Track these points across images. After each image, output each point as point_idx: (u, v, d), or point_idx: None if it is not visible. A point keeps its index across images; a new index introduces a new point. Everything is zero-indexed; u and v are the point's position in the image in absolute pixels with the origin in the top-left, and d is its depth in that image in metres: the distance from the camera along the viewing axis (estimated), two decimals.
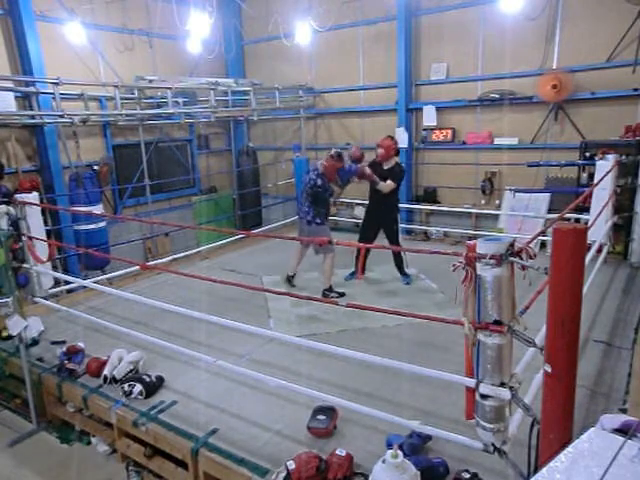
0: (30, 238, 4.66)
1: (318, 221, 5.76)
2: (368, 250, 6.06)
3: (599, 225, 5.66)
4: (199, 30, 8.02)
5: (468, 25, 8.15)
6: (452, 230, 8.37)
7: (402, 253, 6.18)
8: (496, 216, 8.17)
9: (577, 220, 6.26)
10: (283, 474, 2.77)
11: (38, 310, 5.15)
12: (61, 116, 6.94)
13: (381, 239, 6.22)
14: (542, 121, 7.72)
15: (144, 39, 9.15)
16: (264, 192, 10.56)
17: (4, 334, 4.67)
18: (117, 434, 3.72)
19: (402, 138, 8.85)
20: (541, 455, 2.27)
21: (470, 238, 7.09)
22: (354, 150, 6.25)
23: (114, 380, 3.91)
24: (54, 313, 5.21)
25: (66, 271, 7.22)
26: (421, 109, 8.84)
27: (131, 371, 4.01)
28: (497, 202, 8.37)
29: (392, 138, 6.12)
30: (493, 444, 2.51)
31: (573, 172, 7.42)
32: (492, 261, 2.26)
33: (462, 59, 8.36)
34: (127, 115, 7.96)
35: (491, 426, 2.46)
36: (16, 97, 7.00)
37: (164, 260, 6.89)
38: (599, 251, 5.61)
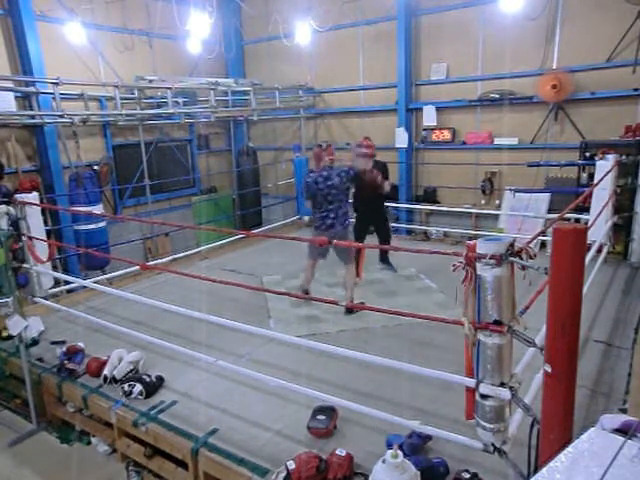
0: (30, 238, 4.66)
1: (348, 222, 5.51)
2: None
3: (599, 225, 5.66)
4: (199, 30, 8.02)
5: (468, 25, 8.15)
6: (452, 230, 8.37)
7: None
8: (496, 216, 8.16)
9: (577, 220, 6.25)
10: (283, 474, 2.77)
11: (38, 310, 5.15)
12: (61, 116, 6.95)
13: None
14: (542, 121, 7.73)
15: (144, 39, 9.16)
16: (264, 192, 10.55)
17: (4, 334, 4.67)
18: (117, 434, 3.72)
19: (402, 138, 8.86)
20: (541, 455, 2.27)
21: (470, 238, 7.09)
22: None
23: (114, 380, 3.91)
24: (54, 313, 5.21)
25: (66, 271, 7.23)
26: (421, 109, 8.84)
27: (131, 371, 4.01)
28: (497, 202, 8.38)
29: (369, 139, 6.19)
30: (493, 444, 2.51)
31: (573, 172, 7.42)
32: (492, 261, 2.26)
33: (462, 59, 8.36)
34: (127, 115, 7.96)
35: (491, 426, 2.46)
36: (16, 97, 7.01)
37: (164, 260, 6.90)
38: (599, 251, 5.61)
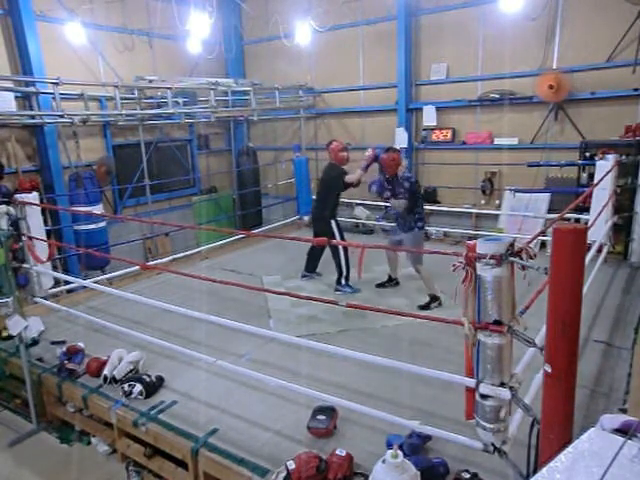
0: (30, 238, 4.66)
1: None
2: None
3: (599, 225, 5.66)
4: (199, 30, 8.02)
5: (468, 25, 8.15)
6: (452, 230, 8.37)
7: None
8: (496, 216, 8.17)
9: (577, 220, 6.26)
10: (283, 474, 2.77)
11: (38, 310, 5.15)
12: (61, 116, 6.95)
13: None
14: (542, 121, 7.72)
15: (144, 39, 9.15)
16: (264, 192, 10.55)
17: (4, 334, 4.67)
18: (117, 434, 3.72)
19: (402, 138, 8.85)
20: (541, 455, 2.27)
21: (470, 238, 7.09)
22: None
23: (114, 380, 3.91)
24: (54, 313, 5.21)
25: (66, 271, 7.22)
26: (421, 109, 8.83)
27: (131, 371, 4.01)
28: (497, 202, 8.37)
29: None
30: (493, 444, 2.51)
31: (573, 172, 7.41)
32: (492, 261, 2.26)
33: (462, 59, 8.36)
34: (127, 115, 7.95)
35: (491, 426, 2.46)
36: (16, 97, 6.98)
37: (164, 260, 6.89)
38: (599, 251, 5.61)
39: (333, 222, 6.05)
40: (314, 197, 6.35)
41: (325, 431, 3.20)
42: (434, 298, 5.41)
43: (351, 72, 9.62)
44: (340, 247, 5.85)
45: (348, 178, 5.91)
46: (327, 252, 6.12)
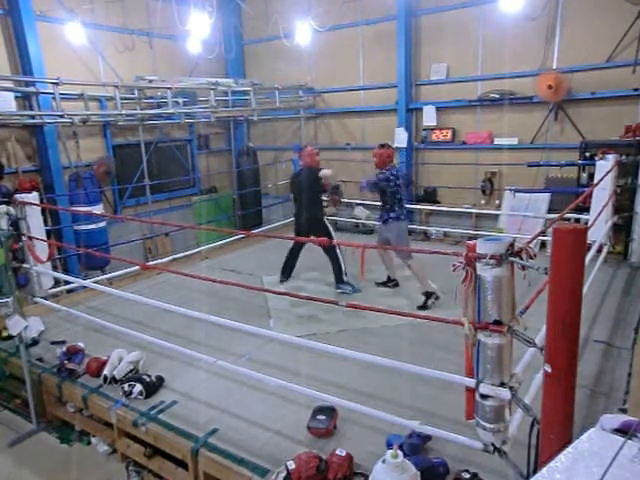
0: (30, 238, 4.66)
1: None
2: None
3: (599, 225, 5.66)
4: (199, 30, 8.03)
5: (468, 25, 8.15)
6: (452, 230, 8.37)
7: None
8: (496, 216, 8.16)
9: (577, 220, 6.25)
10: (283, 474, 2.77)
11: (38, 310, 5.15)
12: (61, 116, 6.95)
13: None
14: (542, 121, 7.72)
15: (144, 39, 9.15)
16: (264, 192, 10.55)
17: (4, 334, 4.67)
18: (117, 434, 3.72)
19: (402, 138, 8.85)
20: (541, 455, 2.27)
21: (470, 238, 7.08)
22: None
23: (114, 380, 3.91)
24: (54, 313, 5.21)
25: (66, 271, 7.23)
26: (421, 109, 8.84)
27: (131, 371, 4.01)
28: (497, 202, 8.37)
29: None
30: (493, 444, 2.51)
31: (573, 172, 7.41)
32: (492, 261, 2.26)
33: (462, 59, 8.36)
34: (127, 115, 7.96)
35: (491, 426, 2.46)
36: (16, 97, 6.98)
37: (164, 260, 6.89)
38: (599, 251, 5.61)
39: (326, 221, 6.14)
40: (300, 202, 6.28)
41: (325, 431, 3.20)
42: (429, 294, 5.41)
43: (351, 72, 9.62)
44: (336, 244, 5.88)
45: (322, 173, 6.01)
46: (320, 253, 6.12)
